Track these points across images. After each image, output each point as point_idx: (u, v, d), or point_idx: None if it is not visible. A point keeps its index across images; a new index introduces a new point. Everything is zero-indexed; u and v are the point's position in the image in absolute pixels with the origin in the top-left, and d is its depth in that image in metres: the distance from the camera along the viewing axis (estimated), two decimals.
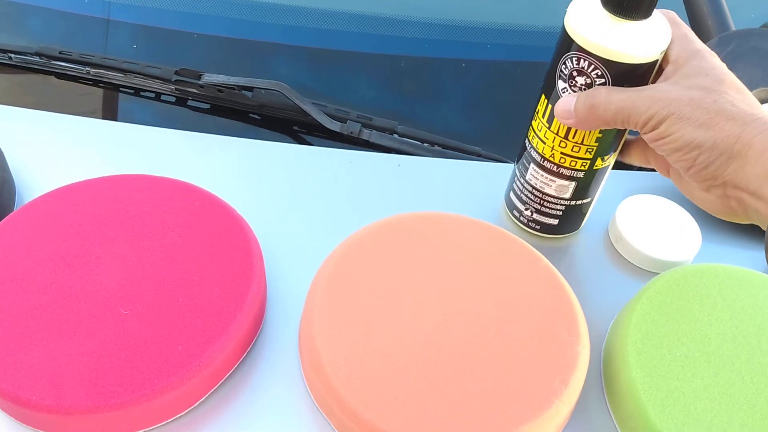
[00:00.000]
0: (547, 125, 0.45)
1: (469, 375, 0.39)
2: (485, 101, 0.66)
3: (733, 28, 0.62)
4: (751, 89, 0.54)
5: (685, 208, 0.52)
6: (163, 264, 0.41)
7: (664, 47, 0.40)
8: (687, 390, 0.40)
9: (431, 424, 0.36)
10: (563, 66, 0.42)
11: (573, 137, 0.44)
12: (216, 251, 0.42)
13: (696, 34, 0.64)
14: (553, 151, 0.45)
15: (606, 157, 0.45)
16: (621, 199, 0.52)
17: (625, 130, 0.44)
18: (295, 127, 0.62)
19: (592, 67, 0.40)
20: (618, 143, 0.45)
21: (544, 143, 0.45)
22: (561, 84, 0.42)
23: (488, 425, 0.37)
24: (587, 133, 0.43)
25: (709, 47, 0.54)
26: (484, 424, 0.37)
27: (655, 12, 0.40)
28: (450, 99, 0.66)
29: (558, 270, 0.48)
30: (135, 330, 0.38)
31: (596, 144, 0.44)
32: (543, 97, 0.45)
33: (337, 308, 0.41)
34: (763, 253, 0.52)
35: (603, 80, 0.41)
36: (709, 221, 0.53)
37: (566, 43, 0.41)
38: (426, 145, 0.60)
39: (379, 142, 0.59)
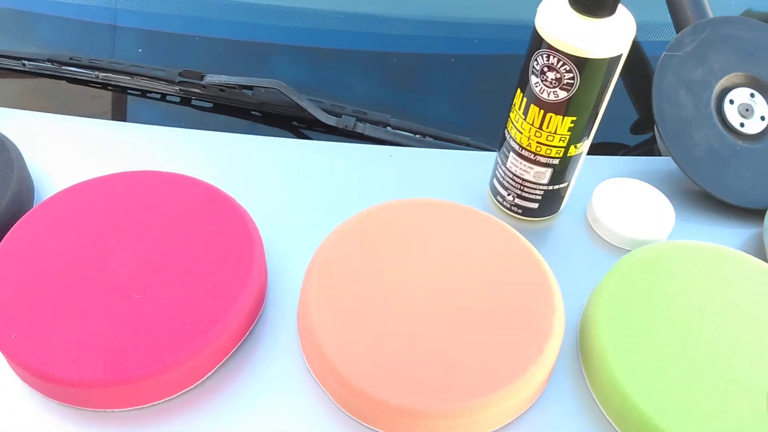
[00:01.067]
0: (524, 117, 0.48)
1: (452, 345, 0.42)
2: (474, 94, 0.69)
3: (711, 16, 0.65)
4: (724, 75, 0.57)
5: (659, 190, 0.55)
6: (170, 252, 0.45)
7: (629, 42, 0.43)
8: (655, 356, 0.43)
9: (418, 390, 0.40)
10: (535, 62, 0.45)
11: (547, 127, 0.47)
12: (219, 239, 0.46)
13: (675, 22, 0.68)
14: (530, 141, 0.49)
15: (579, 145, 0.49)
16: (598, 182, 0.55)
17: (596, 118, 0.47)
18: (294, 123, 0.66)
19: (561, 63, 0.44)
20: (590, 131, 0.48)
21: (521, 133, 0.49)
22: (534, 79, 0.46)
23: (470, 389, 0.40)
24: (560, 123, 0.47)
25: (684, 35, 0.58)
26: (466, 388, 0.40)
27: (620, 8, 0.44)
28: (440, 92, 0.69)
29: (539, 250, 0.52)
30: (146, 312, 0.42)
31: (569, 133, 0.47)
32: (519, 90, 0.48)
33: (332, 288, 0.44)
34: (734, 230, 0.55)
35: (571, 75, 0.44)
36: (683, 201, 0.57)
37: (537, 41, 0.44)
38: (418, 136, 0.63)
39: (373, 135, 0.63)
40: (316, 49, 0.71)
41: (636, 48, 0.74)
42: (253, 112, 0.66)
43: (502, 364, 0.42)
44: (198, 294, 0.43)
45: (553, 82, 0.45)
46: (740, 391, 0.42)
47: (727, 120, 0.57)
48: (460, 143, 0.63)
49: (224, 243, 0.46)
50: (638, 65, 0.73)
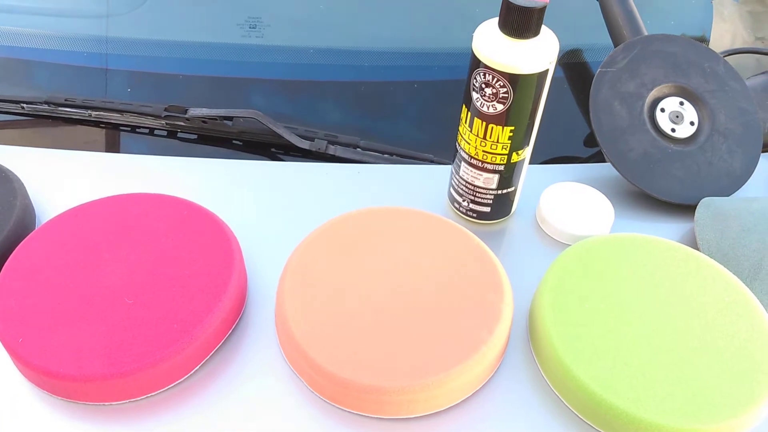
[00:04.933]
0: (470, 129, 0.54)
1: (412, 331, 0.48)
2: (435, 115, 0.75)
3: (646, 34, 0.72)
4: (654, 86, 0.63)
5: (601, 192, 0.61)
6: (158, 262, 0.51)
7: (553, 58, 0.50)
8: (593, 334, 0.48)
9: (382, 371, 0.45)
10: (474, 80, 0.51)
11: (490, 137, 0.53)
12: (202, 249, 0.51)
13: (613, 40, 0.74)
14: (477, 150, 0.55)
15: (520, 152, 0.55)
16: (546, 187, 0.61)
17: (532, 127, 0.54)
18: (273, 149, 0.72)
19: (496, 79, 0.50)
20: (529, 139, 0.54)
21: (469, 144, 0.55)
22: (474, 95, 0.52)
23: (428, 368, 0.45)
24: (501, 132, 0.53)
25: (616, 53, 0.65)
26: (425, 367, 0.45)
27: (544, 29, 0.50)
28: (405, 115, 0.75)
29: (494, 249, 0.58)
30: (138, 314, 0.47)
31: (509, 141, 0.53)
32: (464, 106, 0.54)
33: (304, 286, 0.50)
34: (670, 224, 0.61)
35: (506, 89, 0.50)
36: (623, 201, 0.62)
37: (475, 62, 0.51)
38: (386, 155, 0.69)
39: (344, 155, 0.69)
40: (292, 82, 0.78)
41: (586, 69, 0.80)
42: (234, 141, 0.72)
43: (457, 345, 0.47)
44: (184, 297, 0.48)
45: (491, 96, 0.51)
46: (670, 360, 0.47)
47: (659, 126, 0.63)
48: (424, 159, 0.69)
49: (206, 252, 0.51)
50: (589, 84, 0.79)
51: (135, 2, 0.84)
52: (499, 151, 0.54)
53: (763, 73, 0.74)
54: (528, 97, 0.51)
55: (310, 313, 0.48)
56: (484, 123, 0.52)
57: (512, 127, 0.52)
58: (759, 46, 0.80)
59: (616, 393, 0.46)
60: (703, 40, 0.84)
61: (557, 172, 0.66)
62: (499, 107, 0.51)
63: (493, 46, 0.49)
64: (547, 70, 0.50)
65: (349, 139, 0.70)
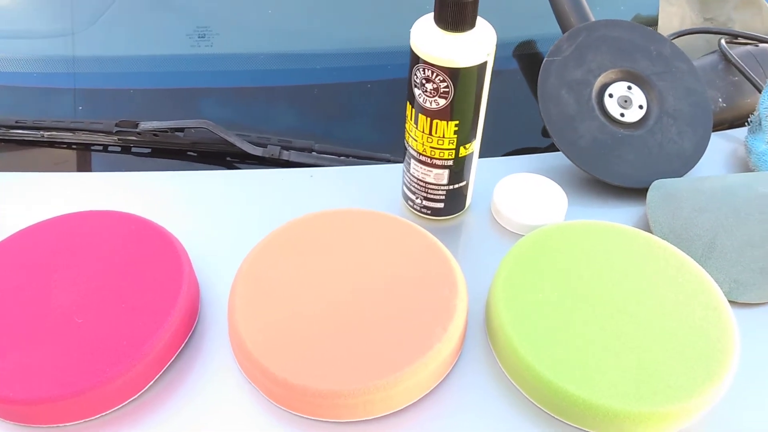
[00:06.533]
0: (416, 126, 0.54)
1: (365, 332, 0.47)
2: (391, 114, 0.75)
3: (593, 20, 0.72)
4: (601, 72, 0.64)
5: (555, 181, 0.61)
6: (107, 279, 0.50)
7: (491, 50, 0.50)
8: (547, 322, 0.48)
9: (336, 374, 0.45)
10: (415, 76, 0.51)
11: (436, 133, 0.53)
12: (150, 264, 0.51)
13: (561, 29, 0.74)
14: (424, 146, 0.54)
15: (468, 145, 0.54)
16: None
17: (478, 120, 0.54)
18: (228, 158, 0.71)
19: (436, 74, 0.50)
20: (475, 133, 0.54)
21: (417, 141, 0.55)
22: (417, 91, 0.52)
23: (382, 368, 0.45)
24: (446, 127, 0.53)
25: (562, 42, 0.65)
26: (378, 368, 0.45)
27: (480, 21, 0.50)
28: (361, 116, 0.75)
29: (449, 245, 0.57)
30: (87, 333, 0.47)
31: (455, 136, 0.53)
32: (408, 104, 0.54)
33: (256, 293, 0.49)
34: (623, 209, 0.61)
35: (446, 84, 0.50)
36: (576, 189, 0.63)
37: (414, 58, 0.51)
38: (342, 158, 0.69)
39: (298, 160, 0.68)
40: (246, 89, 0.77)
41: (539, 59, 0.81)
42: (189, 153, 0.71)
43: (412, 344, 0.47)
44: (133, 313, 0.48)
45: (432, 92, 0.51)
46: (624, 344, 0.47)
47: (608, 112, 0.63)
48: (380, 160, 0.68)
49: (155, 267, 0.51)
50: None
51: (86, 21, 0.83)
52: (446, 146, 0.54)
53: (712, 52, 0.74)
54: (469, 90, 0.51)
55: (262, 320, 0.48)
56: (429, 119, 0.52)
57: (457, 122, 0.52)
58: (708, 26, 0.80)
59: (571, 380, 0.46)
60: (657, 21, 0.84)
61: (512, 164, 0.66)
62: (442, 102, 0.51)
63: (431, 41, 0.49)
64: (485, 62, 0.50)
65: (304, 144, 0.70)
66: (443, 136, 0.53)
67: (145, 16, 0.83)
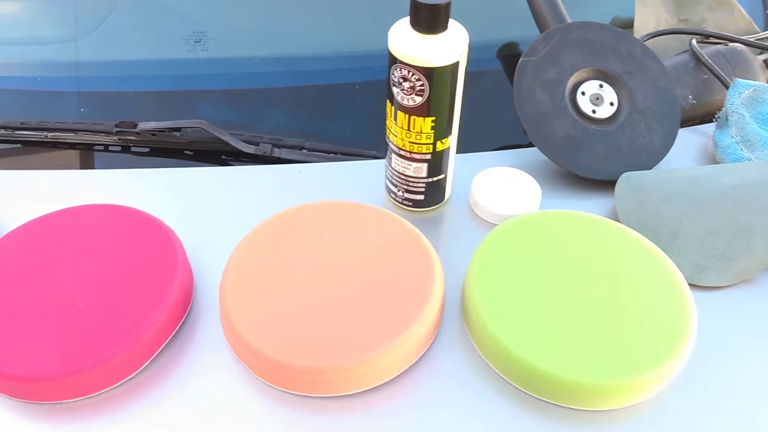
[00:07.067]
0: (395, 122, 0.57)
1: (347, 314, 0.51)
2: (378, 113, 0.78)
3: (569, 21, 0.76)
4: (574, 71, 0.67)
5: (530, 174, 0.65)
6: (107, 268, 0.54)
7: (463, 50, 0.53)
8: (518, 304, 0.52)
9: (318, 352, 0.48)
10: (393, 76, 0.55)
11: (414, 128, 0.57)
12: (147, 253, 0.55)
13: (539, 29, 0.78)
14: (404, 141, 0.58)
15: (444, 140, 0.58)
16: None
17: (453, 116, 0.57)
18: (223, 157, 0.75)
19: (412, 73, 0.53)
20: (451, 128, 0.58)
21: (396, 136, 0.58)
22: (395, 89, 0.56)
23: (360, 346, 0.49)
24: (423, 123, 0.56)
25: (537, 43, 0.68)
26: (356, 347, 0.49)
27: (453, 23, 0.54)
28: (349, 115, 0.79)
29: (429, 235, 0.61)
30: (89, 316, 0.50)
31: (432, 131, 0.57)
32: (388, 101, 0.58)
33: (246, 277, 0.53)
34: (593, 200, 0.65)
35: (421, 82, 0.54)
36: (550, 182, 0.66)
37: (392, 59, 0.54)
38: (331, 155, 0.73)
39: (289, 157, 0.72)
40: (242, 91, 0.81)
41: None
42: (186, 152, 0.75)
43: (389, 324, 0.50)
44: (132, 297, 0.51)
45: (409, 90, 0.54)
46: (591, 324, 0.51)
47: (580, 109, 0.67)
48: (368, 156, 0.72)
49: (152, 255, 0.54)
50: None
51: (89, 28, 0.87)
52: (423, 141, 0.57)
53: (683, 52, 0.78)
54: (444, 88, 0.54)
55: (250, 303, 0.52)
56: (407, 115, 0.56)
57: (433, 118, 0.56)
58: (682, 27, 0.84)
59: (540, 357, 0.49)
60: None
61: (490, 159, 0.69)
62: (418, 99, 0.55)
63: (407, 42, 0.53)
64: (458, 62, 0.53)
65: (295, 142, 0.73)
66: (421, 132, 0.57)
67: (144, 23, 0.87)
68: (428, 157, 0.58)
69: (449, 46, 0.53)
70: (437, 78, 0.53)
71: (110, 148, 0.76)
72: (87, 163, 0.76)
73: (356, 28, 0.86)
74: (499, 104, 0.79)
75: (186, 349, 0.53)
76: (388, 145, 0.60)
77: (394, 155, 0.60)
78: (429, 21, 0.52)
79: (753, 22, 0.84)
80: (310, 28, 0.86)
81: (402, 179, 0.61)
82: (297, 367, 0.48)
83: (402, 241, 0.56)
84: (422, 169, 0.59)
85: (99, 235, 0.56)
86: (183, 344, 0.53)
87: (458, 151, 0.63)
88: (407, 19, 0.54)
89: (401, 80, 0.54)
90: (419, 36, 0.53)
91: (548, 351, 0.49)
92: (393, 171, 0.61)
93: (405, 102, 0.55)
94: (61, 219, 0.58)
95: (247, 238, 0.57)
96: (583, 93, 0.67)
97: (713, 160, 0.69)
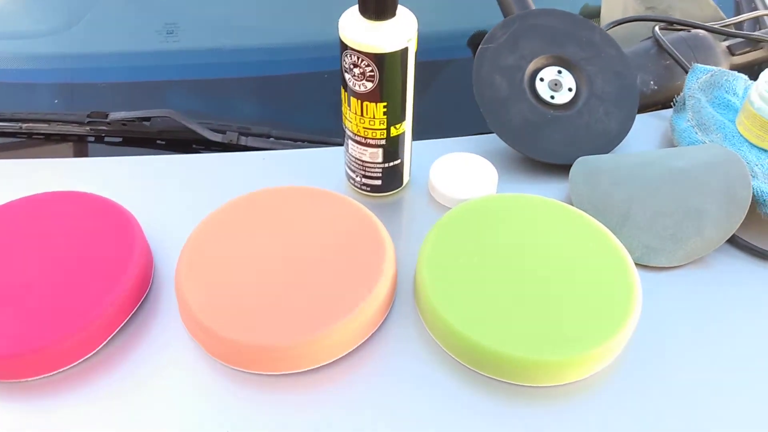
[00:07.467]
0: (349, 108, 0.59)
1: (298, 294, 0.52)
2: None
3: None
4: (533, 58, 0.68)
5: (489, 160, 0.66)
6: (66, 251, 0.55)
7: (411, 36, 0.55)
8: (467, 285, 0.53)
9: (270, 330, 0.50)
10: (344, 62, 0.56)
11: (367, 114, 0.58)
12: (106, 237, 0.56)
13: (504, 15, 0.79)
14: (358, 127, 0.59)
15: (398, 126, 0.59)
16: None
17: (405, 102, 0.58)
18: (194, 146, 0.76)
19: (362, 59, 0.55)
20: (404, 114, 0.59)
21: (351, 122, 0.60)
22: (347, 76, 0.57)
23: (310, 325, 0.50)
24: (375, 109, 0.57)
25: (496, 30, 0.70)
26: (306, 325, 0.50)
27: (401, 9, 0.55)
28: (317, 104, 0.80)
29: (387, 218, 0.62)
30: (48, 298, 0.52)
31: (385, 116, 0.58)
32: (342, 88, 0.59)
33: (200, 260, 0.54)
34: (549, 184, 0.66)
35: (371, 68, 0.55)
36: (508, 166, 0.67)
37: (343, 45, 0.56)
38: (297, 142, 0.74)
39: (255, 145, 0.73)
40: (213, 81, 0.82)
41: None
42: (157, 141, 0.76)
43: (339, 304, 0.52)
44: (90, 279, 0.53)
45: (360, 76, 0.56)
46: (538, 302, 0.52)
47: (539, 95, 0.68)
48: (333, 144, 0.73)
49: (111, 239, 0.56)
50: None
51: (66, 23, 0.89)
52: (377, 126, 0.59)
53: (647, 38, 0.79)
54: (394, 73, 0.55)
55: (205, 283, 0.53)
56: (359, 101, 0.57)
57: (385, 103, 0.57)
58: (648, 14, 0.85)
59: (485, 335, 0.50)
60: None
61: (449, 145, 0.70)
62: (369, 85, 0.56)
63: (356, 29, 0.54)
64: (407, 48, 0.55)
65: (261, 130, 0.75)
66: (374, 117, 0.58)
67: (118, 16, 0.88)
68: (383, 142, 0.60)
69: (397, 33, 0.54)
70: (387, 64, 0.54)
71: (84, 138, 0.77)
72: (61, 154, 0.77)
73: (323, 18, 0.87)
74: (465, 92, 0.80)
75: (145, 328, 0.54)
76: (344, 131, 0.62)
77: (350, 141, 0.61)
78: (376, 7, 0.53)
79: (719, 9, 0.85)
80: (278, 18, 0.87)
81: (359, 164, 0.62)
82: (247, 345, 0.50)
83: (356, 225, 0.58)
84: (378, 155, 0.61)
85: (59, 220, 0.58)
86: (142, 324, 0.54)
87: (421, 138, 0.64)
88: (357, 7, 0.55)
89: (352, 66, 0.55)
90: (368, 23, 0.54)
91: (494, 329, 0.51)
92: (350, 156, 0.63)
93: (357, 88, 0.56)
94: (22, 206, 0.59)
95: (205, 221, 0.58)
96: (541, 79, 0.68)
97: (671, 144, 0.70)
